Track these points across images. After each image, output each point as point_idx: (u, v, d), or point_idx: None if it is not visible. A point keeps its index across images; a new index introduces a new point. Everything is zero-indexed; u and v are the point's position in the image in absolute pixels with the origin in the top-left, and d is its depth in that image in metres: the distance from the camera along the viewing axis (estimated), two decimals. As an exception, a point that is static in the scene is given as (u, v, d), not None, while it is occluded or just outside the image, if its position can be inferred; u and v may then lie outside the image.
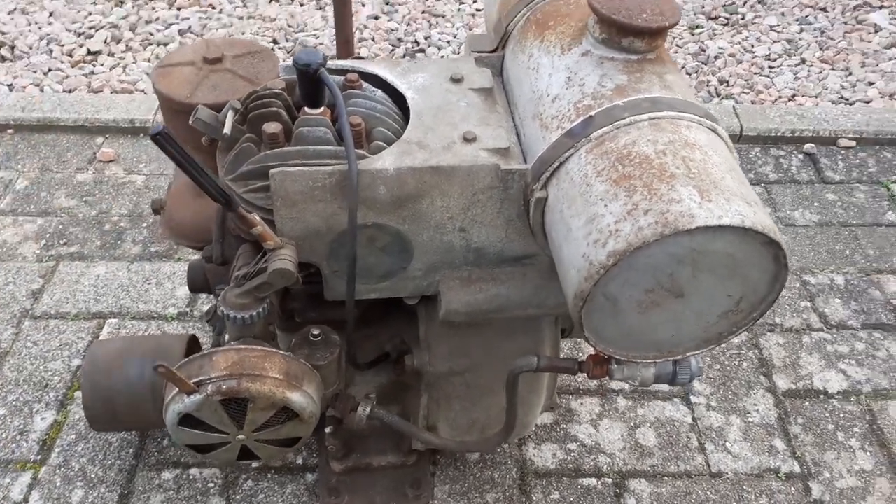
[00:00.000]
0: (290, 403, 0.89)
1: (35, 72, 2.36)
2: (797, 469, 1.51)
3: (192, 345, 1.36)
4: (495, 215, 1.01)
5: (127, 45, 2.49)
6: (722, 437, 1.55)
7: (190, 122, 1.00)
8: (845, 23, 2.81)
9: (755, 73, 2.53)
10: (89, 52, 2.45)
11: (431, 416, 1.23)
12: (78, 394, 1.55)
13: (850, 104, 2.42)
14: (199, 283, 1.37)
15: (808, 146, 2.26)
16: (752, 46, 2.65)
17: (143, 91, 2.33)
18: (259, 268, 0.93)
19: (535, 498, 1.44)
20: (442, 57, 2.52)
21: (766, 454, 1.53)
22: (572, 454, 1.51)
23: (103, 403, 1.30)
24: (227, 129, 0.97)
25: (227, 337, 0.99)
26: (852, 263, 1.94)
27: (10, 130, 2.20)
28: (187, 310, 1.73)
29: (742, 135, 2.26)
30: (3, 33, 2.49)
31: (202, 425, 0.91)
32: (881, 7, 2.89)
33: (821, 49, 2.65)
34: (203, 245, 1.14)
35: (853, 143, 2.27)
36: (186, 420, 0.89)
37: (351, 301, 1.01)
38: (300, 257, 0.98)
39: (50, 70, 2.37)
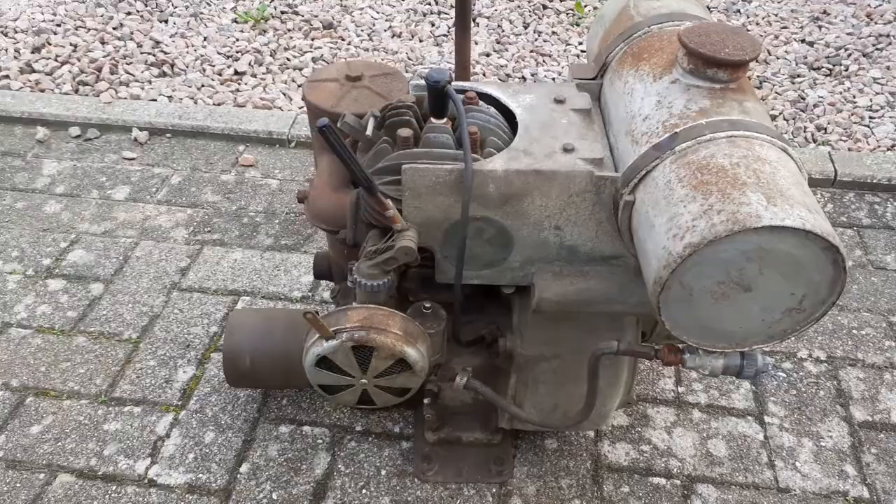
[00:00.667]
0: (406, 356, 1.08)
1: (190, 87, 2.71)
2: (866, 495, 1.56)
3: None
4: (587, 216, 1.18)
5: (267, 68, 2.82)
6: (792, 457, 1.63)
7: (338, 124, 1.22)
8: (955, 78, 2.81)
9: (854, 122, 2.58)
10: (236, 72, 2.79)
11: (518, 396, 1.39)
12: (214, 354, 1.81)
13: (954, 157, 2.43)
14: (323, 271, 1.60)
15: (905, 194, 2.29)
16: (854, 97, 2.70)
17: (279, 108, 2.63)
18: (388, 245, 1.14)
19: (606, 489, 1.56)
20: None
21: (836, 477, 1.59)
22: (644, 454, 1.62)
23: (240, 362, 1.53)
24: (368, 132, 1.19)
25: (356, 302, 1.19)
26: (942, 309, 1.97)
27: (168, 135, 2.54)
28: (310, 294, 1.97)
29: (836, 179, 2.32)
30: (166, 53, 2.87)
31: (334, 368, 1.11)
32: None
33: (927, 102, 2.67)
34: (338, 229, 1.35)
35: (953, 194, 2.29)
36: (322, 362, 1.10)
37: (458, 282, 1.20)
38: (419, 243, 1.18)
39: (203, 86, 2.72)
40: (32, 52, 2.86)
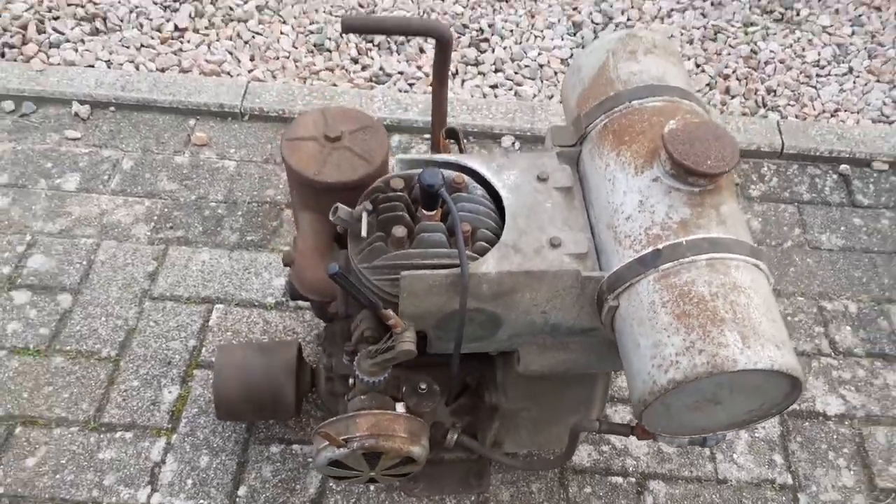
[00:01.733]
0: (412, 455, 1.18)
1: (128, 47, 2.54)
2: (790, 482, 1.80)
3: (300, 352, 1.65)
4: (572, 304, 1.26)
5: (210, 21, 2.65)
6: (731, 449, 1.84)
7: (331, 217, 1.23)
8: (897, 27, 2.89)
9: (802, 83, 2.65)
10: (176, 28, 2.61)
11: (500, 436, 1.53)
12: (197, 371, 1.86)
13: (890, 123, 2.55)
14: (296, 294, 1.64)
15: (843, 167, 2.43)
16: (804, 50, 2.76)
17: (228, 73, 2.51)
18: (388, 346, 1.20)
19: (571, 490, 1.75)
20: (511, 60, 2.66)
21: (766, 466, 1.82)
22: (604, 455, 1.81)
23: (230, 398, 1.60)
24: (364, 233, 1.20)
25: (357, 388, 1.26)
26: (867, 291, 2.17)
27: (111, 108, 2.41)
28: (283, 300, 2.01)
29: (783, 152, 2.42)
30: (96, 4, 2.65)
31: (345, 467, 1.20)
32: (936, 12, 2.94)
33: (869, 57, 2.75)
34: (330, 300, 1.40)
35: (886, 167, 2.44)
36: (334, 463, 1.19)
37: (456, 362, 1.27)
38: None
39: (142, 46, 2.55)
40: (-59, 4, 2.59)
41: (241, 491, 1.69)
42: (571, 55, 2.67)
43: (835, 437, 1.87)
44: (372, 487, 1.69)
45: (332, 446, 1.16)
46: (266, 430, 1.78)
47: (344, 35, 2.65)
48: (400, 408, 1.26)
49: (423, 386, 1.31)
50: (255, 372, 1.60)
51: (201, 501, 1.67)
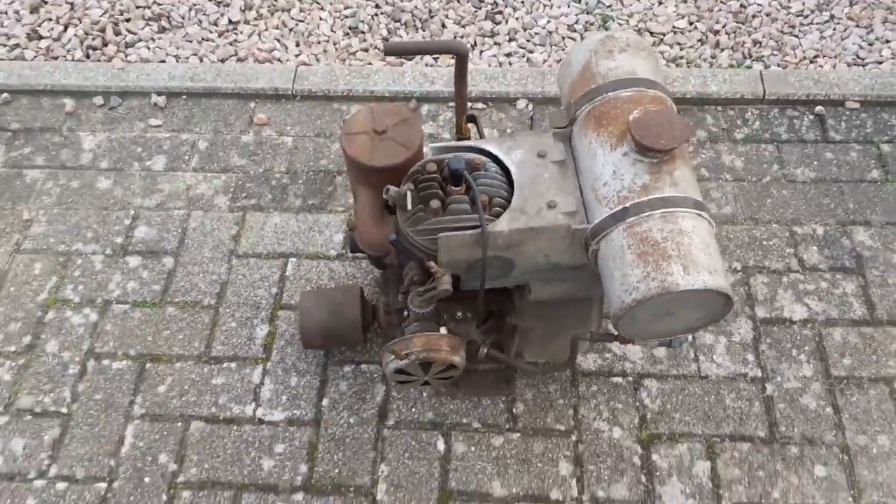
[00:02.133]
0: (454, 363, 1.65)
1: (191, 41, 2.95)
2: (759, 374, 2.23)
3: (362, 294, 2.11)
4: (566, 249, 1.68)
5: (258, 13, 3.04)
6: (711, 352, 2.27)
7: (384, 196, 1.67)
8: (879, -29, 3.14)
9: (785, 33, 2.95)
10: (230, 21, 3.01)
11: (521, 348, 1.98)
12: (281, 312, 2.34)
13: (864, 65, 2.86)
14: (356, 249, 2.09)
15: (818, 108, 2.76)
16: (789, 1, 3.04)
17: (279, 60, 2.91)
18: (432, 286, 1.64)
19: (580, 389, 2.21)
20: (524, 29, 3.00)
21: (740, 364, 2.25)
22: (607, 361, 2.26)
23: (312, 332, 2.08)
24: (409, 206, 1.64)
25: (411, 318, 1.72)
26: (834, 216, 2.54)
27: (183, 97, 2.85)
28: (343, 252, 2.47)
29: (765, 98, 2.76)
30: (160, 5, 3.05)
31: (406, 374, 1.67)
32: (916, -47, 3.17)
33: (850, 4, 3.02)
34: (385, 254, 1.84)
35: (857, 105, 2.76)
36: (398, 371, 1.66)
37: (482, 297, 1.72)
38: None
39: (203, 39, 2.96)
40: (31, 13, 3.02)
41: (325, 402, 2.19)
42: (577, 20, 3.00)
43: (798, 337, 2.29)
44: (424, 394, 2.18)
45: (397, 359, 1.63)
46: (339, 355, 2.27)
47: (375, 17, 3.02)
48: (443, 330, 1.72)
49: (459, 314, 1.76)
50: (330, 310, 2.08)
51: (294, 411, 2.17)
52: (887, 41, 2.91)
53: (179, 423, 2.15)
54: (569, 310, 1.88)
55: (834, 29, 2.96)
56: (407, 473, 2.06)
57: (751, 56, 2.90)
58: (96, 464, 2.08)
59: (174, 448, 2.11)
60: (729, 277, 1.59)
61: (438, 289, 1.63)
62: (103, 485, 2.05)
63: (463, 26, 2.99)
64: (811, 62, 2.88)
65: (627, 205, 1.55)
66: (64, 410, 2.17)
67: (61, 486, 2.05)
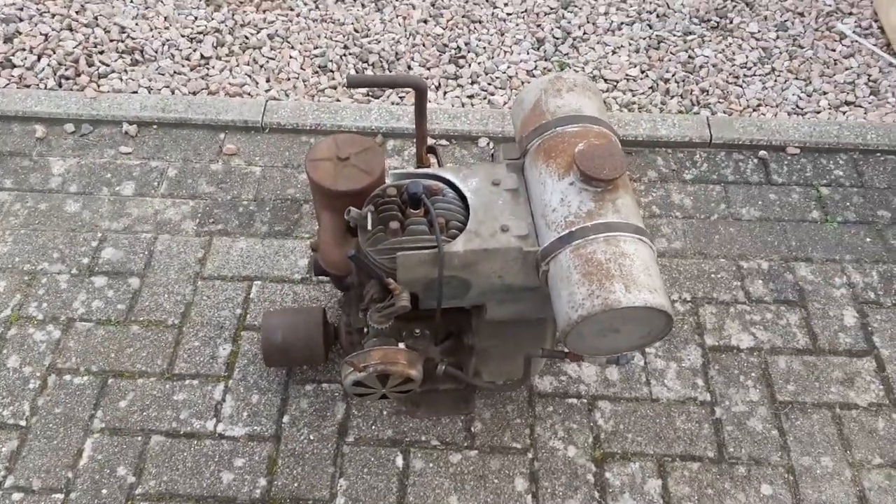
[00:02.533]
0: (411, 376, 1.72)
1: (164, 74, 3.05)
2: (708, 398, 2.33)
3: (324, 314, 2.18)
4: (518, 270, 1.78)
5: (230, 49, 3.15)
6: (662, 376, 2.37)
7: (345, 217, 1.75)
8: (816, 29, 3.38)
9: (731, 83, 3.15)
10: (202, 56, 3.11)
11: (478, 367, 2.06)
12: (244, 333, 2.39)
13: (803, 114, 3.06)
14: (319, 271, 2.16)
15: (762, 153, 2.94)
16: (734, 54, 3.26)
17: (249, 94, 3.02)
18: (390, 303, 1.72)
19: (537, 409, 2.28)
20: (485, 73, 3.16)
21: (690, 388, 2.35)
22: (563, 383, 2.34)
23: (273, 349, 2.14)
24: (370, 227, 1.72)
25: (370, 333, 1.79)
26: (777, 252, 2.69)
27: (154, 126, 2.93)
28: (307, 276, 2.54)
29: (711, 142, 2.94)
30: (133, 39, 3.15)
31: (364, 386, 1.73)
32: (850, 13, 3.43)
33: (790, 59, 3.25)
34: (346, 274, 1.92)
35: (798, 151, 2.95)
36: (356, 384, 1.72)
37: (439, 313, 1.80)
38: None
39: (175, 73, 3.06)
40: (5, 42, 3.09)
41: (285, 419, 2.22)
42: (535, 66, 3.17)
43: (745, 364, 2.40)
44: (384, 412, 2.23)
45: (356, 371, 1.70)
46: (301, 374, 2.32)
47: (343, 57, 3.15)
48: (401, 346, 1.79)
49: (417, 331, 1.84)
50: (293, 328, 2.13)
51: (255, 427, 2.20)
52: (824, 93, 3.13)
53: (139, 437, 2.17)
54: (524, 329, 1.97)
55: (775, 80, 3.17)
56: (365, 488, 2.10)
57: (698, 103, 3.08)
58: (53, 475, 2.09)
59: (133, 461, 2.12)
60: (669, 298, 1.71)
61: (397, 305, 1.71)
62: (60, 496, 2.05)
63: (428, 69, 3.14)
64: (754, 110, 3.07)
65: (574, 229, 1.66)
66: (22, 423, 2.18)
67: (17, 496, 2.05)
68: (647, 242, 1.68)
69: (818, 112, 3.07)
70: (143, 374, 2.30)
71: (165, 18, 3.23)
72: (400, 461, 2.15)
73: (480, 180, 1.83)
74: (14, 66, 3.03)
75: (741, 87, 3.15)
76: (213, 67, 3.10)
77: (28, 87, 2.98)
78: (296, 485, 2.09)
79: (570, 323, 1.59)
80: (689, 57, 3.24)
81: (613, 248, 1.62)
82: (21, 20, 3.18)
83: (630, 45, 3.27)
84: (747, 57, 3.25)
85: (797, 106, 3.09)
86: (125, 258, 2.56)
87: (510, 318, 1.88)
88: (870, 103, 3.09)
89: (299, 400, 2.26)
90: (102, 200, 2.72)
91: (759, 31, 3.36)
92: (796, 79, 3.18)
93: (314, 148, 1.95)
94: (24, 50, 3.07)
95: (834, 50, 3.29)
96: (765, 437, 2.25)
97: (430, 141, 2.07)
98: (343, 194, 1.87)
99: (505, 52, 3.21)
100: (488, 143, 2.92)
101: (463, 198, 1.80)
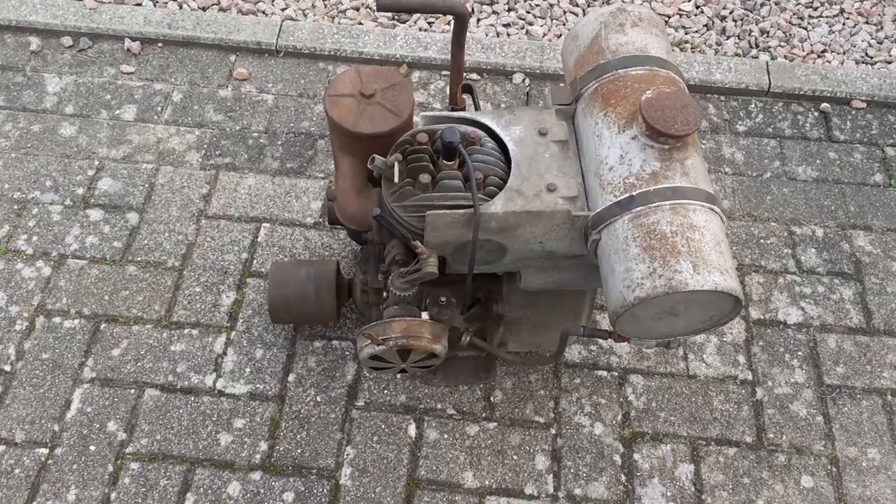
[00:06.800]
0: (435, 351, 1.52)
1: (171, -16, 2.76)
2: (750, 378, 2.15)
3: (338, 270, 1.97)
4: (564, 236, 1.56)
5: (244, -42, 2.84)
6: (701, 351, 2.18)
7: (369, 166, 1.52)
8: (894, -33, 3.03)
9: (794, 24, 2.84)
10: (215, -34, 2.81)
11: (505, 338, 1.87)
12: (250, 279, 2.20)
13: (872, 64, 2.76)
14: (334, 220, 1.95)
15: (824, 105, 2.66)
16: (800, -9, 2.93)
17: (263, 13, 2.73)
18: (416, 268, 1.51)
19: (563, 381, 2.11)
20: (522, 24, 2.85)
21: (731, 365, 2.17)
22: (592, 353, 2.16)
23: (281, 308, 1.94)
24: (396, 179, 1.50)
25: (391, 300, 1.59)
26: (834, 218, 2.45)
27: (159, 44, 2.66)
28: (320, 221, 2.32)
29: (770, 91, 2.65)
30: (139, -59, 2.84)
31: (382, 360, 1.54)
32: (933, -48, 3.07)
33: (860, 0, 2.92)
34: (366, 229, 1.70)
35: (864, 105, 2.66)
36: (373, 357, 1.53)
37: (469, 280, 1.59)
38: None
39: (184, -17, 2.76)
40: (-4, -60, 2.79)
41: (291, 378, 2.06)
42: (580, -6, 2.86)
43: (792, 342, 2.21)
44: (399, 376, 2.06)
45: (373, 344, 1.50)
46: (310, 329, 2.13)
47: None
48: (424, 316, 1.59)
49: (443, 299, 1.63)
50: (303, 286, 1.93)
51: (258, 385, 2.04)
52: (898, 41, 2.82)
53: (132, 390, 2.01)
54: (560, 301, 1.76)
55: (843, 24, 2.86)
56: (374, 458, 1.94)
57: (757, 45, 2.78)
58: (38, 427, 1.94)
59: (125, 416, 1.97)
60: (739, 279, 1.48)
61: (423, 271, 1.50)
62: (44, 450, 1.91)
63: (462, -9, 2.83)
64: (819, 56, 2.77)
65: (634, 193, 1.43)
66: (7, 368, 2.02)
67: (-2, 450, 1.91)
68: (718, 213, 1.45)
69: (889, 62, 2.76)
70: (138, 321, 2.12)
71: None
72: (413, 430, 1.99)
73: (524, 129, 1.59)
74: (4, -32, 2.73)
75: (805, 29, 2.84)
76: (224, -20, 2.79)
77: (20, -8, 2.69)
78: (299, 451, 1.94)
79: (625, 304, 1.38)
80: (751, -7, 2.91)
81: (681, 219, 1.39)
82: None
83: (686, -25, 2.94)
84: (815, -5, 2.92)
85: (866, 54, 2.78)
86: (123, 190, 2.35)
87: (547, 289, 1.67)
88: (948, 55, 2.78)
89: (307, 357, 2.08)
90: (101, 125, 2.48)
91: (829, -33, 3.01)
92: (867, 23, 2.86)
93: (335, 81, 1.70)
94: (15, -50, 2.77)
95: (912, -8, 2.95)
96: (808, 423, 2.07)
97: (465, 78, 1.83)
98: (366, 137, 1.65)
99: (547, -24, 2.89)
100: (524, 80, 2.65)
101: (504, 149, 1.57)
